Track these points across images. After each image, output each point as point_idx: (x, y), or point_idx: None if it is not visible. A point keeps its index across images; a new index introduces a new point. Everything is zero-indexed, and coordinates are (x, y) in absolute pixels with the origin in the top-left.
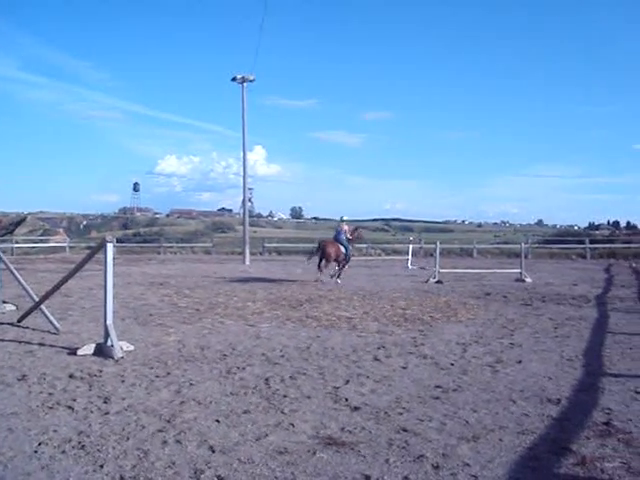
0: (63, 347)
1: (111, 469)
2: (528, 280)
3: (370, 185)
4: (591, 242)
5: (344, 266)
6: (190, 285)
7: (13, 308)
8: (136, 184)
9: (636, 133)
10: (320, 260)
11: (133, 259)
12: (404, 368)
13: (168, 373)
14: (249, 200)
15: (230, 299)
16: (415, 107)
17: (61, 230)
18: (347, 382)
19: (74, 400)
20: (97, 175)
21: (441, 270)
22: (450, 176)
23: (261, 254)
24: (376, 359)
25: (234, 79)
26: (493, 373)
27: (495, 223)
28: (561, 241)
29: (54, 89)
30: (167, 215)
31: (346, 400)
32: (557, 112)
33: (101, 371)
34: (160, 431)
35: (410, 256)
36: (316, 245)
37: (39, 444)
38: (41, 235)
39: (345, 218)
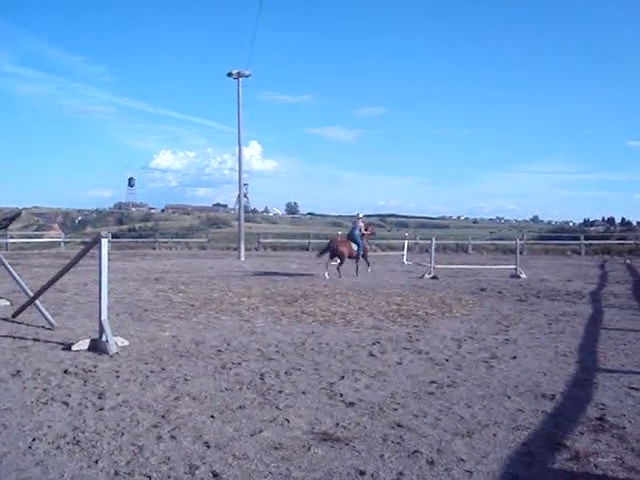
0: (58, 342)
1: (106, 465)
2: (523, 276)
3: (365, 181)
4: (586, 238)
5: (364, 258)
6: (185, 280)
7: (7, 303)
8: (131, 179)
9: (630, 130)
10: (331, 258)
11: (128, 254)
12: (399, 364)
13: (163, 369)
14: (244, 195)
15: (225, 295)
16: (410, 102)
17: (56, 225)
18: (342, 378)
19: (69, 396)
20: (92, 170)
21: (436, 266)
22: (446, 172)
23: (256, 250)
24: (371, 355)
25: (230, 74)
26: (488, 369)
27: (491, 219)
28: (556, 237)
29: (49, 84)
30: (162, 210)
31: (341, 396)
32: (553, 109)
33: (96, 367)
34: (155, 427)
35: (405, 252)
36: (327, 243)
37: (33, 440)
38: (36, 230)
39: (361, 215)
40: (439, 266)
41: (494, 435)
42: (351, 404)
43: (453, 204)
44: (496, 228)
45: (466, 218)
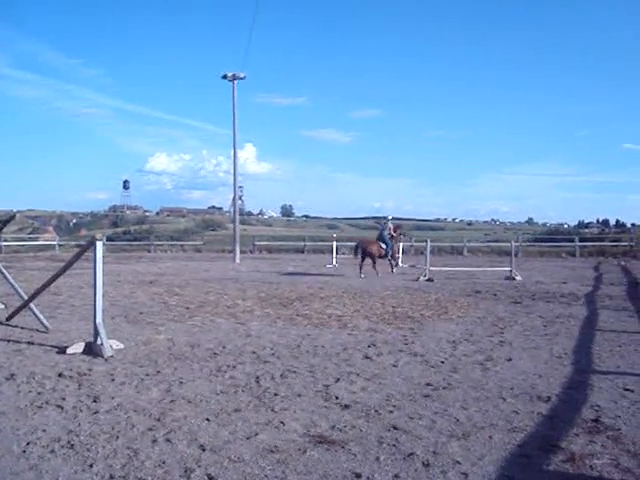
0: (52, 346)
1: (101, 468)
2: (518, 278)
3: (361, 183)
4: (581, 240)
5: (392, 259)
6: (180, 283)
7: (2, 307)
8: (126, 182)
9: (626, 132)
10: (363, 259)
11: (123, 257)
12: (394, 366)
13: (158, 372)
14: (239, 198)
15: (220, 297)
16: (405, 104)
17: (50, 228)
18: (337, 380)
19: (63, 399)
20: (87, 173)
21: (432, 268)
22: (441, 174)
23: (251, 252)
24: (366, 357)
25: (225, 77)
26: (483, 371)
27: (486, 221)
28: (551, 239)
29: (45, 86)
30: (157, 213)
31: (336, 398)
32: (548, 110)
33: (91, 370)
34: (150, 430)
35: (401, 254)
36: (355, 245)
37: (28, 444)
38: (30, 233)
39: (390, 218)
40: (434, 268)
41: (490, 437)
42: (346, 407)
43: (448, 206)
44: (491, 230)
45: (461, 220)
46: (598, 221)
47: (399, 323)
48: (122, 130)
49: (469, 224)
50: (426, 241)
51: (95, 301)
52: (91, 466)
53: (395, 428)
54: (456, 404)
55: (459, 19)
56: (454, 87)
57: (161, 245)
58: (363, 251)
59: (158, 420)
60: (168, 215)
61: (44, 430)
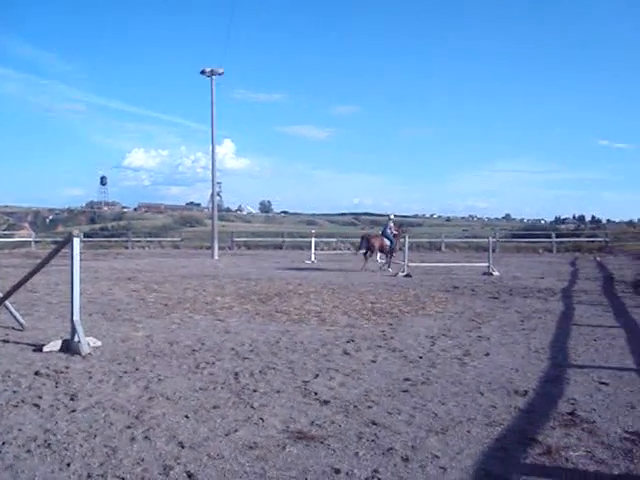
0: (28, 344)
1: (78, 467)
2: (496, 273)
3: (339, 179)
4: (557, 236)
5: (391, 256)
6: (158, 280)
7: None
8: (103, 178)
9: (601, 129)
10: (366, 252)
11: (100, 254)
12: (373, 361)
13: (136, 369)
14: (218, 194)
15: (199, 294)
16: (383, 101)
17: (26, 224)
18: (316, 376)
19: (40, 398)
20: (63, 169)
21: (410, 264)
22: (419, 170)
23: (230, 248)
24: (345, 353)
25: (203, 72)
26: (461, 366)
27: (463, 217)
28: (528, 235)
29: (19, 81)
30: (135, 209)
31: (315, 394)
32: (524, 108)
33: (68, 368)
34: (128, 427)
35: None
36: (360, 239)
37: (3, 443)
38: (6, 230)
39: (392, 217)
40: (412, 264)
41: (468, 431)
42: (326, 402)
43: (426, 202)
44: (469, 226)
45: (439, 216)
46: (574, 217)
47: (378, 319)
48: (99, 126)
49: (447, 220)
50: (404, 237)
51: (72, 298)
52: (68, 465)
53: (374, 423)
54: (435, 399)
55: (434, 17)
56: (432, 84)
57: (139, 241)
58: (367, 242)
59: (136, 418)
60: (146, 211)
61: (20, 429)
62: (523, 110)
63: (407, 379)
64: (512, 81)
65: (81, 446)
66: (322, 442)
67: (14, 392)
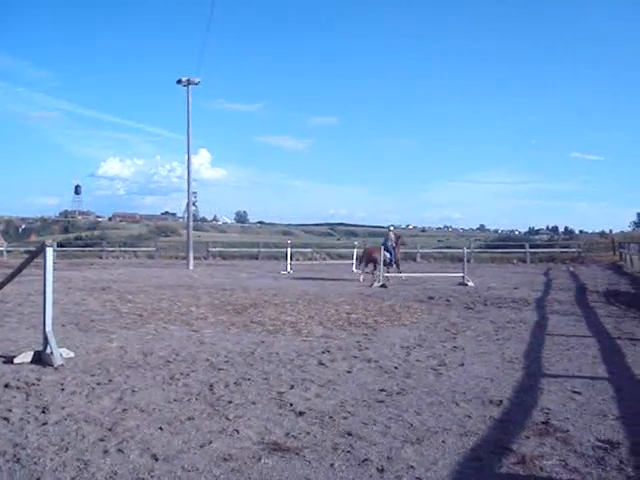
0: None
1: None
2: (470, 284)
3: (315, 190)
4: (531, 247)
5: (395, 265)
6: (133, 290)
7: None
8: (77, 187)
9: (574, 141)
10: (366, 264)
11: (74, 264)
12: (349, 372)
13: (110, 380)
14: (193, 204)
15: (173, 304)
16: (360, 113)
17: None
18: (292, 387)
19: (9, 411)
20: (37, 177)
21: (385, 274)
22: (394, 182)
23: (205, 258)
24: (321, 363)
25: (179, 82)
26: (436, 376)
27: (439, 228)
28: (502, 246)
29: None
30: (110, 219)
31: (291, 405)
32: (498, 120)
33: (39, 379)
34: (101, 440)
35: (355, 260)
36: (362, 251)
37: None
38: None
39: (392, 228)
40: (388, 274)
41: (443, 442)
42: (301, 413)
43: (401, 213)
44: (444, 237)
45: (415, 227)
46: (548, 228)
47: (353, 329)
48: (73, 134)
49: (423, 231)
50: (380, 248)
51: (45, 308)
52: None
53: (349, 434)
54: (410, 409)
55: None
56: (408, 96)
57: (113, 251)
58: (368, 256)
59: (110, 430)
60: (121, 221)
61: None
62: (497, 122)
63: (382, 389)
64: (486, 94)
65: (52, 460)
66: (297, 453)
67: None
